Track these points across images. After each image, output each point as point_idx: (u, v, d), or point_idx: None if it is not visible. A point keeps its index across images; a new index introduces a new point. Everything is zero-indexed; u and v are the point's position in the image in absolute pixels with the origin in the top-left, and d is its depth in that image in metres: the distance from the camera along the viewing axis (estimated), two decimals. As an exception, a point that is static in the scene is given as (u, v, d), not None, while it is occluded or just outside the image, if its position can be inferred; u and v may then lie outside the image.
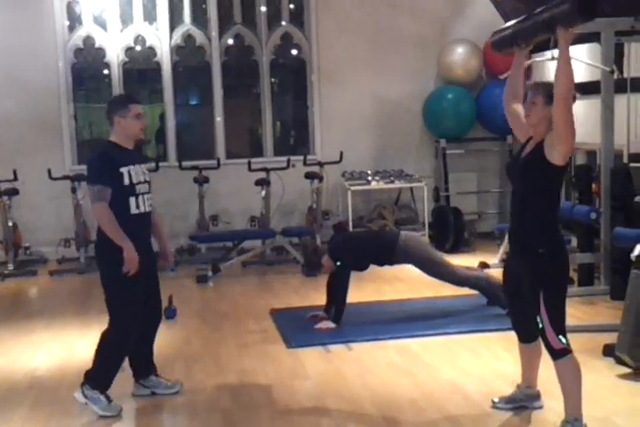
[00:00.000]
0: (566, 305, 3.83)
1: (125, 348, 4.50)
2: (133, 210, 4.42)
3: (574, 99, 3.74)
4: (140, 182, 4.44)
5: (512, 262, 4.04)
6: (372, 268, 6.57)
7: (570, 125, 3.69)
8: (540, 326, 3.77)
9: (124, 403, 4.54)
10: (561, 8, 3.60)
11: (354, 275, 5.99)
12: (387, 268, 6.30)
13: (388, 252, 6.04)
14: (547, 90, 3.79)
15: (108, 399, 4.43)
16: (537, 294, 3.75)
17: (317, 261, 6.12)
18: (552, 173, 3.80)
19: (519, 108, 4.02)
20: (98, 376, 4.46)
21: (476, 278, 6.10)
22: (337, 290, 5.94)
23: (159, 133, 9.80)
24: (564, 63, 3.64)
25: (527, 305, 3.86)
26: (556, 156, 3.74)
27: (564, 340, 3.75)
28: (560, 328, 3.76)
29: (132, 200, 4.40)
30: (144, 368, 4.71)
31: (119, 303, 4.42)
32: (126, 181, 4.37)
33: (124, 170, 4.36)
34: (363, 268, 6.18)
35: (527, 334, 4.07)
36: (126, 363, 4.63)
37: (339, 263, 5.96)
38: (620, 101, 6.30)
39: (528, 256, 3.82)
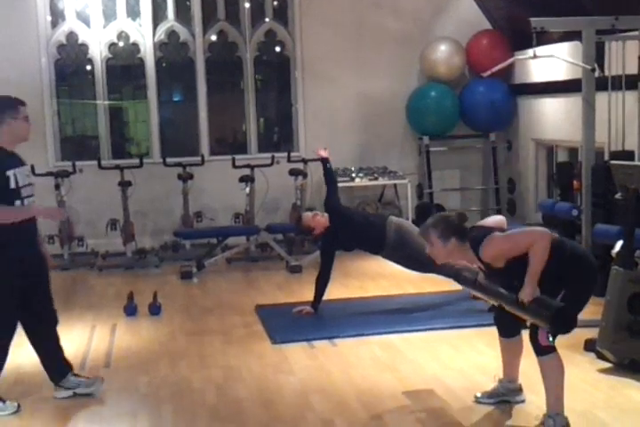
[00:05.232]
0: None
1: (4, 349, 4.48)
2: None
3: None
4: (25, 185, 4.40)
5: None
6: (356, 264, 6.62)
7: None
8: None
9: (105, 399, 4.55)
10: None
11: (339, 271, 6.00)
12: (371, 264, 6.33)
13: (377, 243, 6.08)
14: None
15: (1, 400, 4.48)
16: (557, 291, 3.75)
17: (307, 226, 6.22)
18: None
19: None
20: None
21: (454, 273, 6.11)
22: (320, 274, 5.97)
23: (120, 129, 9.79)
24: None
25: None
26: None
27: (551, 338, 3.78)
28: None
29: (18, 203, 4.35)
30: (58, 370, 4.68)
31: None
32: (12, 185, 4.32)
33: (10, 173, 4.31)
34: (350, 248, 6.19)
35: (509, 329, 4.12)
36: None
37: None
38: (601, 99, 6.35)
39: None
